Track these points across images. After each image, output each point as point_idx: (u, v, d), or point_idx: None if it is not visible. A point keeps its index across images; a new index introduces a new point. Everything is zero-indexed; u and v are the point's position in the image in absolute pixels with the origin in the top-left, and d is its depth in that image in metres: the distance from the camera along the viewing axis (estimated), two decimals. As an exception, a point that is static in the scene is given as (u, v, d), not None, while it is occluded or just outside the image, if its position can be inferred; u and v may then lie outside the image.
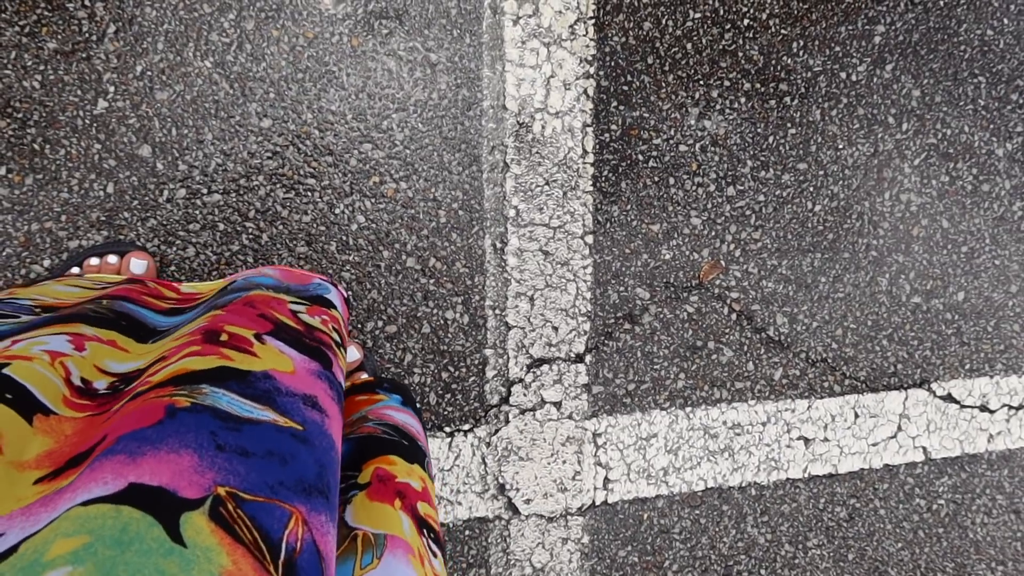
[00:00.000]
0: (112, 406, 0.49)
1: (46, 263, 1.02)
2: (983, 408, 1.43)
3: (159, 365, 0.53)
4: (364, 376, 1.06)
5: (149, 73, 1.02)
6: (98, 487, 0.39)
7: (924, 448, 1.40)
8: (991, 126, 1.35)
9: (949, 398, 1.40)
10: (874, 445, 1.37)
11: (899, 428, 1.38)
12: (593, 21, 1.14)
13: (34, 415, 0.46)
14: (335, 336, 0.68)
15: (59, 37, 0.99)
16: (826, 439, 1.34)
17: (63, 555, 0.36)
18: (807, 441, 1.33)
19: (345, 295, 0.83)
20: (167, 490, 0.40)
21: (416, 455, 0.73)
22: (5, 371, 0.47)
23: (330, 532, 0.47)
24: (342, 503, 0.68)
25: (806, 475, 1.34)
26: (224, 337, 0.55)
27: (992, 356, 1.41)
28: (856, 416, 1.35)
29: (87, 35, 1.00)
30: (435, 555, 0.66)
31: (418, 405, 0.88)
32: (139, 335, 0.62)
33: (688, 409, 1.26)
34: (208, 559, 0.39)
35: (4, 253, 1.00)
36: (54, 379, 0.49)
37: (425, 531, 0.65)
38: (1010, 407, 1.44)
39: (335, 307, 0.75)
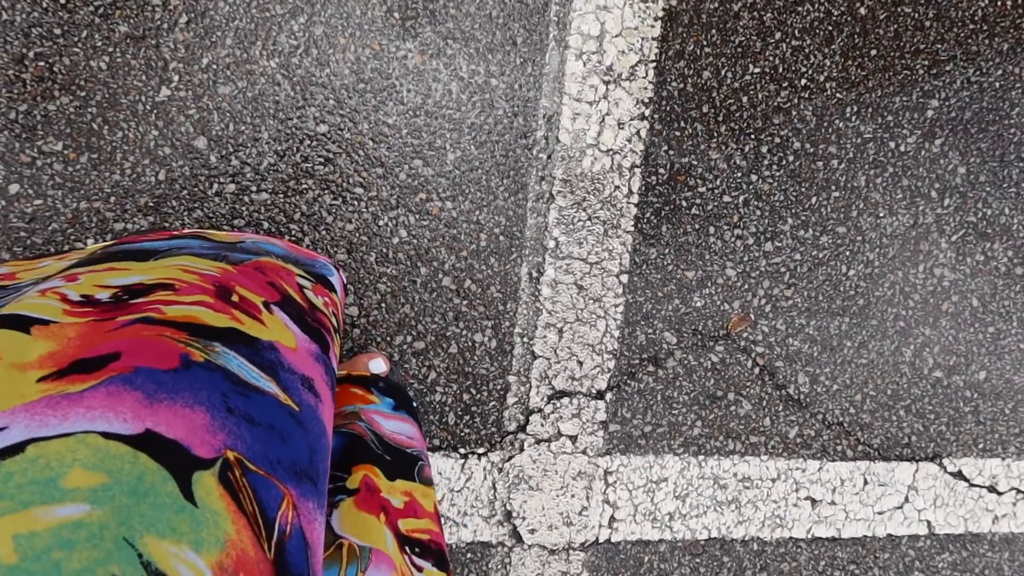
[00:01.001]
0: (117, 315, 0.47)
1: (89, 242, 1.02)
2: (991, 489, 1.42)
3: (167, 295, 0.51)
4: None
5: (214, 67, 1.03)
6: (117, 420, 0.38)
7: (929, 522, 1.39)
8: (1031, 210, 1.36)
9: (959, 475, 1.40)
10: (880, 513, 1.36)
11: (906, 499, 1.38)
12: (654, 65, 1.15)
13: (32, 326, 0.43)
14: (333, 321, 0.67)
15: (131, 21, 1.00)
16: (833, 502, 1.34)
17: (82, 489, 0.35)
18: (814, 502, 1.33)
19: (344, 281, 0.81)
20: (182, 445, 0.39)
21: (400, 468, 0.72)
22: None
23: (317, 520, 0.47)
24: (330, 506, 0.68)
25: (809, 536, 1.34)
26: (235, 298, 0.54)
27: (1007, 438, 1.41)
28: (865, 483, 1.35)
29: (159, 22, 1.01)
30: (420, 570, 0.65)
31: (415, 404, 0.86)
32: (138, 257, 0.59)
33: (701, 457, 1.26)
34: (216, 523, 0.38)
35: (50, 228, 1.01)
36: (49, 302, 0.47)
37: (407, 548, 0.64)
38: (1018, 491, 1.44)
39: (336, 291, 0.74)
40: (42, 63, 0.98)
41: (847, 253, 1.28)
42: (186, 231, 0.73)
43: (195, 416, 0.41)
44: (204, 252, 0.62)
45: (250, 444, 0.43)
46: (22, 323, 0.43)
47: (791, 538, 1.33)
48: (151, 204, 1.03)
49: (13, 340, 0.42)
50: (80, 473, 0.36)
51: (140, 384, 0.40)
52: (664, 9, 1.14)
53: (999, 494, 1.43)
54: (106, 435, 0.37)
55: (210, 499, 0.38)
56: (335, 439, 0.75)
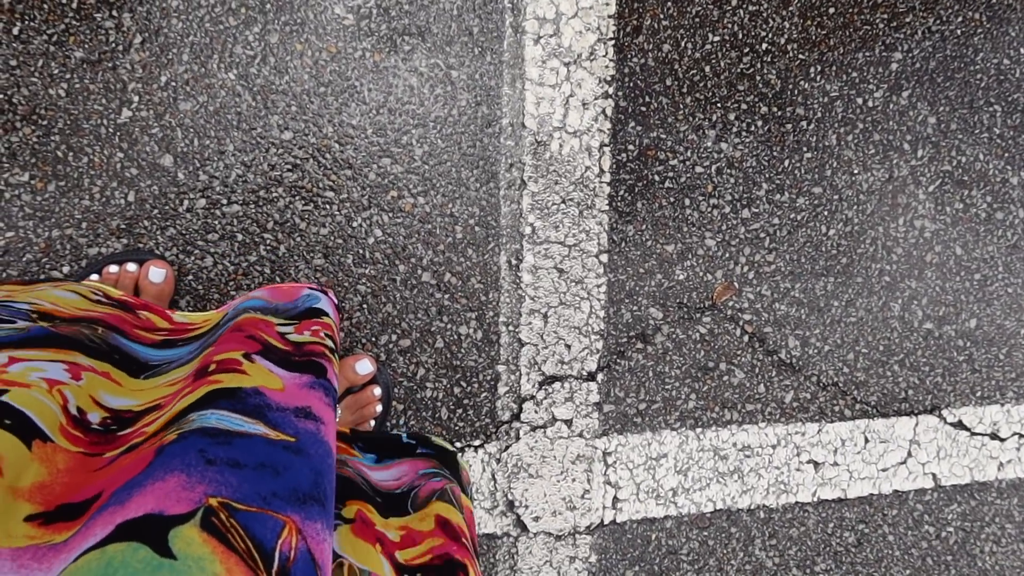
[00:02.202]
0: (105, 450, 0.49)
1: (65, 269, 1.02)
2: (994, 436, 1.42)
3: (154, 415, 0.54)
4: (376, 392, 1.06)
5: (173, 84, 1.03)
6: (87, 542, 0.39)
7: (934, 475, 1.39)
8: (1006, 154, 1.36)
9: (960, 425, 1.40)
10: (884, 471, 1.36)
11: (909, 454, 1.37)
12: (613, 42, 1.15)
13: (33, 440, 0.46)
14: (328, 343, 0.68)
15: (86, 46, 1.00)
16: (836, 463, 1.33)
17: None
18: (817, 465, 1.33)
19: (336, 301, 0.82)
20: (153, 514, 0.40)
21: (392, 507, 0.72)
22: (3, 398, 0.47)
23: (326, 539, 0.47)
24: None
25: (815, 499, 1.33)
26: (212, 367, 0.56)
27: (1003, 384, 1.41)
28: (866, 441, 1.35)
29: (113, 45, 1.01)
30: None
31: (404, 440, 0.87)
32: (131, 370, 0.62)
33: (698, 430, 1.26)
34: (200, 567, 0.38)
35: (24, 259, 1.01)
36: (52, 406, 0.49)
37: (407, 575, 0.64)
38: (1021, 435, 1.43)
39: (327, 314, 0.75)
40: (1, 95, 0.99)
41: (825, 213, 1.28)
42: (182, 327, 0.76)
43: (167, 484, 0.42)
44: (190, 357, 0.65)
45: (236, 486, 0.44)
46: (25, 430, 0.46)
47: (797, 503, 1.33)
48: (123, 226, 1.03)
49: (15, 453, 0.44)
50: None
51: (112, 502, 0.42)
52: (618, -14, 1.14)
53: (1002, 440, 1.43)
54: (76, 558, 0.39)
55: (191, 548, 0.39)
56: None
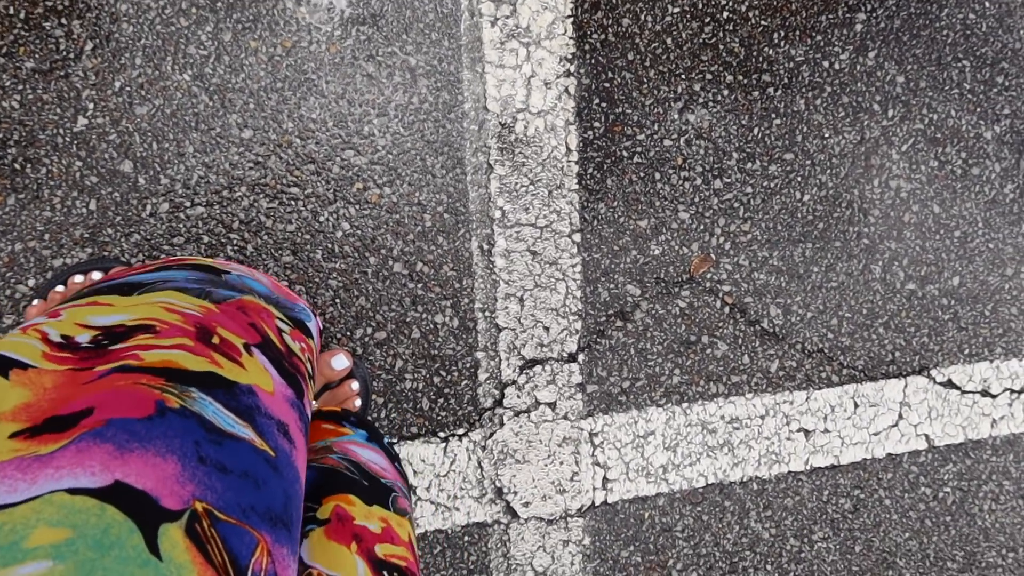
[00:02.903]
0: (95, 364, 0.47)
1: (31, 282, 1.01)
2: (985, 393, 1.41)
3: (148, 338, 0.51)
4: (354, 386, 1.06)
5: (128, 88, 1.02)
6: (85, 475, 0.38)
7: (927, 436, 1.38)
8: (978, 109, 1.35)
9: (949, 384, 1.39)
10: (875, 434, 1.35)
11: (900, 416, 1.36)
12: (571, 19, 1.14)
13: (9, 370, 0.44)
14: (308, 367, 0.68)
15: (36, 56, 0.99)
16: (826, 430, 1.33)
17: (44, 546, 0.35)
18: (807, 433, 1.32)
19: (320, 327, 0.82)
20: (150, 496, 0.40)
21: (377, 495, 0.72)
22: None
23: (290, 567, 0.47)
24: (300, 537, 0.67)
25: (808, 467, 1.32)
26: (216, 340, 0.54)
27: (991, 340, 1.40)
28: (856, 406, 1.34)
29: (64, 53, 1.00)
30: None
31: (387, 441, 0.86)
32: (123, 291, 0.59)
33: (685, 405, 1.25)
34: None
35: (-12, 274, 1.00)
36: (29, 342, 0.47)
37: (385, 572, 0.64)
38: (1012, 391, 1.42)
39: (312, 337, 0.75)
40: (-46, 111, 0.98)
41: (799, 179, 1.27)
42: (174, 260, 0.73)
43: (166, 466, 0.41)
44: (188, 286, 0.63)
45: (221, 493, 0.43)
46: (1, 365, 0.44)
47: (790, 472, 1.32)
48: (87, 235, 1.02)
49: None
50: (44, 531, 0.36)
51: (111, 436, 0.40)
52: (572, -38, 1.13)
53: (993, 397, 1.42)
54: (73, 491, 0.37)
55: (175, 552, 0.39)
56: (307, 474, 0.75)
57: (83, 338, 0.50)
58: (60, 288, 0.98)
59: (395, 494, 0.74)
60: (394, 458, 0.85)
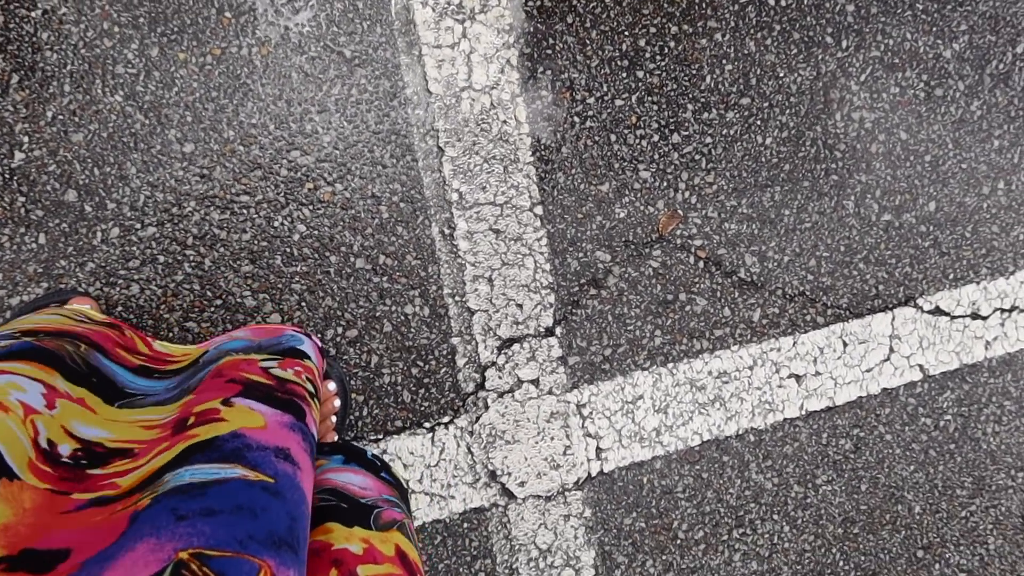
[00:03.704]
0: (73, 489, 0.49)
1: (-9, 324, 1.00)
2: (975, 316, 1.39)
3: (127, 463, 0.53)
4: (331, 387, 1.04)
5: (61, 117, 1.00)
6: None
7: (920, 366, 1.37)
8: (934, 29, 1.32)
9: (938, 311, 1.37)
10: (868, 371, 1.34)
11: (891, 350, 1.35)
12: (504, -11, 1.11)
13: (0, 479, 0.46)
14: (308, 387, 0.69)
15: (-36, 96, 0.98)
16: (818, 373, 1.31)
17: None
18: (798, 378, 1.30)
19: (319, 344, 0.84)
20: None
21: (357, 515, 0.71)
22: None
23: None
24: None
25: (803, 412, 1.31)
26: (191, 420, 0.56)
27: (975, 262, 1.38)
28: (845, 345, 1.32)
29: (-8, 89, 0.98)
30: None
31: (370, 455, 0.86)
32: (107, 395, 0.63)
33: (670, 365, 1.24)
34: None
35: (-54, 321, 0.99)
36: (23, 440, 0.49)
37: None
38: (1002, 310, 1.40)
39: (309, 358, 0.75)
40: None
41: (758, 123, 1.25)
42: (161, 358, 0.76)
43: (136, 552, 0.42)
44: (167, 397, 0.66)
45: (209, 535, 0.44)
46: None
47: (786, 420, 1.30)
48: (40, 270, 1.01)
49: None
50: None
51: (85, 574, 0.42)
52: (497, -69, 1.10)
53: (984, 319, 1.40)
54: None
55: None
56: None
57: (65, 449, 0.52)
58: (20, 326, 0.97)
59: (378, 510, 0.74)
60: (380, 469, 0.85)
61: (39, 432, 0.51)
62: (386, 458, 1.12)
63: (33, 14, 0.98)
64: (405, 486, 0.90)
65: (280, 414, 0.59)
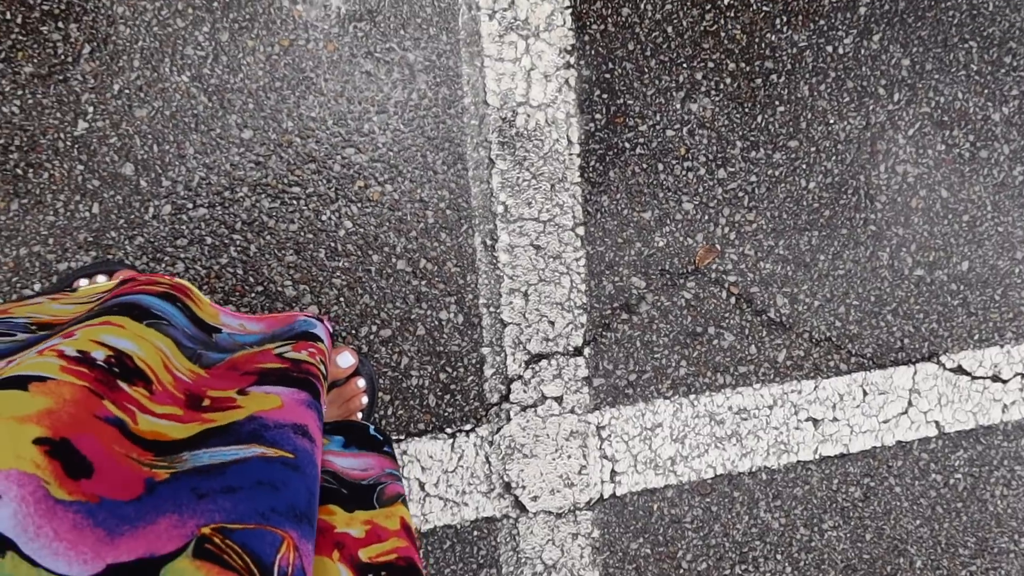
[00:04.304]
0: (104, 394, 0.49)
1: (36, 286, 1.02)
2: (995, 378, 1.40)
3: (145, 396, 0.53)
4: (360, 384, 1.06)
5: (127, 91, 1.02)
6: (77, 561, 0.39)
7: (937, 422, 1.37)
8: (985, 91, 1.33)
9: (959, 370, 1.38)
10: (885, 422, 1.34)
11: (910, 403, 1.35)
12: (570, 10, 1.13)
13: (28, 384, 0.45)
14: (322, 368, 0.69)
15: (35, 61, 0.99)
16: (835, 419, 1.32)
17: None
18: (816, 422, 1.31)
19: (330, 329, 0.84)
20: (145, 558, 0.41)
21: (359, 498, 0.72)
22: None
23: (311, 561, 0.48)
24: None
25: (817, 456, 1.32)
26: (206, 402, 0.56)
27: (1001, 325, 1.39)
28: (865, 394, 1.33)
29: (63, 57, 1.00)
30: None
31: (372, 430, 0.86)
32: (133, 315, 0.62)
33: (692, 396, 1.25)
34: None
35: (-6, 280, 1.00)
36: (46, 360, 0.48)
37: (371, 574, 0.64)
38: (1023, 376, 1.41)
39: (321, 340, 0.76)
40: (-45, 118, 0.98)
41: (804, 166, 1.26)
42: (180, 286, 0.75)
43: (158, 527, 0.42)
44: (185, 344, 0.65)
45: (231, 509, 0.44)
46: (20, 383, 0.45)
47: (799, 462, 1.31)
48: (90, 239, 1.02)
49: (11, 399, 0.43)
50: None
51: (102, 520, 0.41)
52: (570, -47, 1.12)
53: (1004, 382, 1.40)
54: None
55: None
56: None
57: (99, 355, 0.51)
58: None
59: (381, 486, 0.75)
60: (382, 444, 0.85)
61: (63, 351, 0.51)
62: (405, 459, 1.13)
63: (111, -12, 1.00)
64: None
65: (296, 392, 0.59)
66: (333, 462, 0.79)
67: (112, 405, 0.49)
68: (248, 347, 0.71)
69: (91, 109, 1.01)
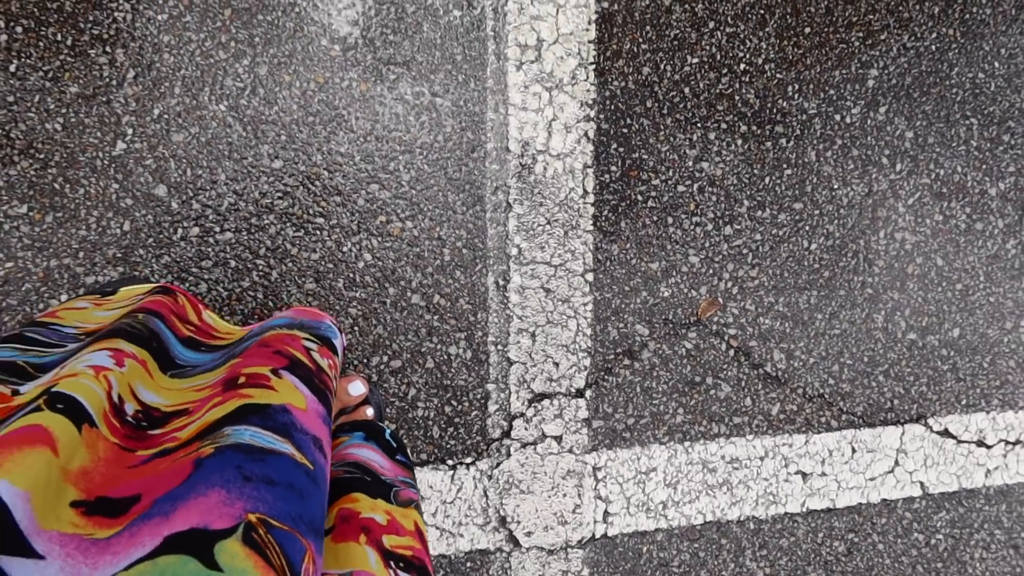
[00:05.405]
0: (137, 447, 0.52)
1: (63, 298, 1.05)
2: (980, 443, 1.44)
3: (183, 420, 0.56)
4: (368, 412, 1.09)
5: (166, 116, 1.06)
6: (137, 551, 0.42)
7: (922, 483, 1.41)
8: (983, 166, 1.39)
9: (946, 433, 1.42)
10: (872, 480, 1.38)
11: (896, 463, 1.39)
12: (594, 67, 1.18)
13: (83, 424, 0.48)
14: (334, 384, 0.71)
15: (81, 81, 1.03)
16: (824, 473, 1.35)
17: None
18: (805, 475, 1.35)
19: (344, 344, 0.86)
20: (198, 528, 0.43)
21: (379, 489, 0.74)
22: (54, 388, 0.50)
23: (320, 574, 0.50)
24: None
25: (804, 509, 1.35)
26: (242, 380, 0.58)
27: (988, 392, 1.43)
28: (853, 451, 1.37)
29: (108, 79, 1.04)
30: None
31: (388, 434, 0.89)
32: (163, 363, 0.65)
33: (687, 443, 1.28)
34: None
35: (23, 288, 1.04)
36: (98, 391, 0.52)
37: (392, 562, 0.66)
38: (1007, 442, 1.45)
39: (337, 355, 0.78)
40: (-1, 131, 1.02)
41: (806, 228, 1.31)
42: (206, 335, 0.78)
43: (208, 499, 0.44)
44: (216, 364, 0.68)
45: (271, 503, 0.46)
46: (77, 414, 0.48)
47: (786, 513, 1.34)
48: (119, 255, 1.06)
49: (68, 435, 0.47)
50: None
51: (156, 511, 0.44)
52: (597, 12, 1.17)
53: (988, 448, 1.45)
54: (129, 567, 0.41)
55: (235, 561, 0.41)
56: None
57: (129, 408, 0.55)
58: (91, 306, 1.02)
59: (396, 488, 0.77)
60: (396, 451, 0.87)
61: (112, 386, 0.54)
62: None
63: (160, 17, 1.04)
64: (414, 469, 0.93)
65: (316, 402, 0.61)
66: (354, 454, 0.81)
67: (146, 450, 0.52)
68: (278, 328, 0.72)
69: (130, 131, 1.05)
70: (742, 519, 1.32)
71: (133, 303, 0.78)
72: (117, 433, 0.52)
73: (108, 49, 1.04)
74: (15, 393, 0.53)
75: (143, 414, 0.56)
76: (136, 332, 0.64)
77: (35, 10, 1.01)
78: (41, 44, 1.02)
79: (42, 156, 1.03)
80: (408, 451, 0.91)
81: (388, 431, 0.91)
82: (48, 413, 0.47)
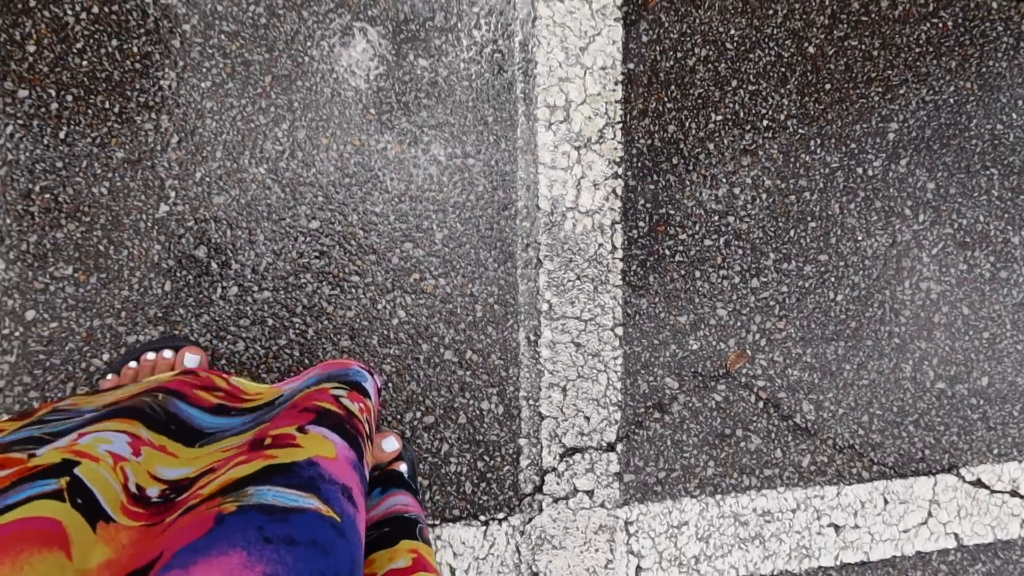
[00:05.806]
0: (165, 517, 0.52)
1: (105, 357, 1.07)
2: (1013, 493, 1.42)
3: (208, 477, 0.56)
4: (402, 468, 1.09)
5: (207, 179, 1.09)
6: None
7: (956, 534, 1.39)
8: (1006, 215, 1.40)
9: (979, 483, 1.41)
10: (905, 532, 1.37)
11: (929, 514, 1.38)
12: (621, 126, 1.21)
13: (97, 522, 0.48)
14: (367, 427, 0.71)
15: (127, 147, 1.07)
16: (857, 526, 1.34)
17: None
18: (838, 528, 1.33)
19: (379, 385, 0.85)
20: None
21: (403, 530, 0.74)
22: (77, 471, 0.50)
23: None
24: None
25: (838, 563, 1.34)
26: (268, 441, 0.58)
27: (1020, 440, 1.42)
28: (886, 503, 1.35)
29: (152, 145, 1.08)
30: None
31: (406, 477, 0.89)
32: (187, 439, 0.66)
33: (718, 496, 1.28)
34: None
35: (67, 348, 1.06)
36: (115, 484, 0.52)
37: None
38: (1040, 492, 1.44)
39: (370, 397, 0.78)
40: (47, 195, 1.05)
41: (832, 279, 1.32)
42: (235, 399, 0.79)
43: (230, 559, 0.44)
44: (245, 427, 0.68)
45: (291, 565, 0.46)
46: (92, 511, 0.49)
47: (820, 567, 1.33)
48: (159, 315, 1.08)
49: (83, 535, 0.47)
50: None
51: (176, 563, 0.44)
52: (623, 73, 1.20)
53: (1022, 498, 1.43)
54: None
55: None
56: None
57: (153, 492, 0.56)
58: (133, 364, 1.04)
59: (420, 525, 0.77)
60: (415, 492, 0.87)
61: (128, 478, 0.54)
62: (438, 544, 1.16)
63: (203, 84, 1.08)
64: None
65: (347, 448, 0.60)
66: (373, 514, 0.81)
67: (172, 515, 0.52)
68: (307, 388, 0.72)
69: (173, 194, 1.08)
70: (775, 573, 1.31)
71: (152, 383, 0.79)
72: (141, 517, 0.52)
73: (154, 115, 1.08)
74: (31, 456, 0.54)
75: (170, 489, 0.57)
76: (154, 416, 0.65)
77: (85, 79, 1.05)
78: (90, 112, 1.06)
79: (88, 219, 1.06)
80: (420, 495, 0.90)
81: (405, 473, 0.90)
82: (68, 507, 0.47)
